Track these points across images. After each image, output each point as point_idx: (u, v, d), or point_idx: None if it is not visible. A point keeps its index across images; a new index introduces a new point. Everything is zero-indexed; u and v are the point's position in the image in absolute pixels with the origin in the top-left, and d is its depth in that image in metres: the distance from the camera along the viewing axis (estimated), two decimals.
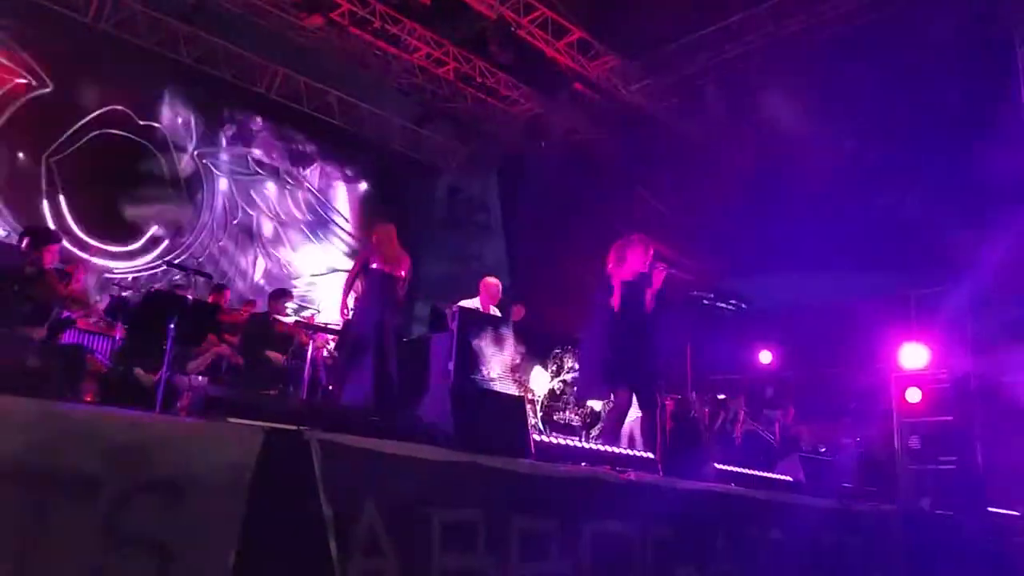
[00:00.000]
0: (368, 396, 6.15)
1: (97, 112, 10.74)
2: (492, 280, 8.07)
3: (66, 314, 6.38)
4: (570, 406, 8.28)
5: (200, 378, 7.23)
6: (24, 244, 6.05)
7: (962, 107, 9.09)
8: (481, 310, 7.80)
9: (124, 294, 8.41)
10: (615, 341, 5.54)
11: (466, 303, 7.85)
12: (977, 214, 8.94)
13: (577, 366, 8.19)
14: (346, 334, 6.84)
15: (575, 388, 8.04)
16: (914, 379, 9.27)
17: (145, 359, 6.47)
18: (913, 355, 9.21)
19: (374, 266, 6.62)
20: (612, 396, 6.06)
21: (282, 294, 8.90)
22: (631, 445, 6.99)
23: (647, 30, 10.94)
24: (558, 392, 8.38)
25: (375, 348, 6.35)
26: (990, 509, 7.04)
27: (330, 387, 8.04)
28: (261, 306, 9.39)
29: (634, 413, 6.66)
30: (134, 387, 6.39)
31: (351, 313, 6.75)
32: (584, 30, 10.73)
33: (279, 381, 8.10)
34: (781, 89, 10.67)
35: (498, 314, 8.06)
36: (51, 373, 5.42)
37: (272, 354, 8.13)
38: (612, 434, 5.72)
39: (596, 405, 8.14)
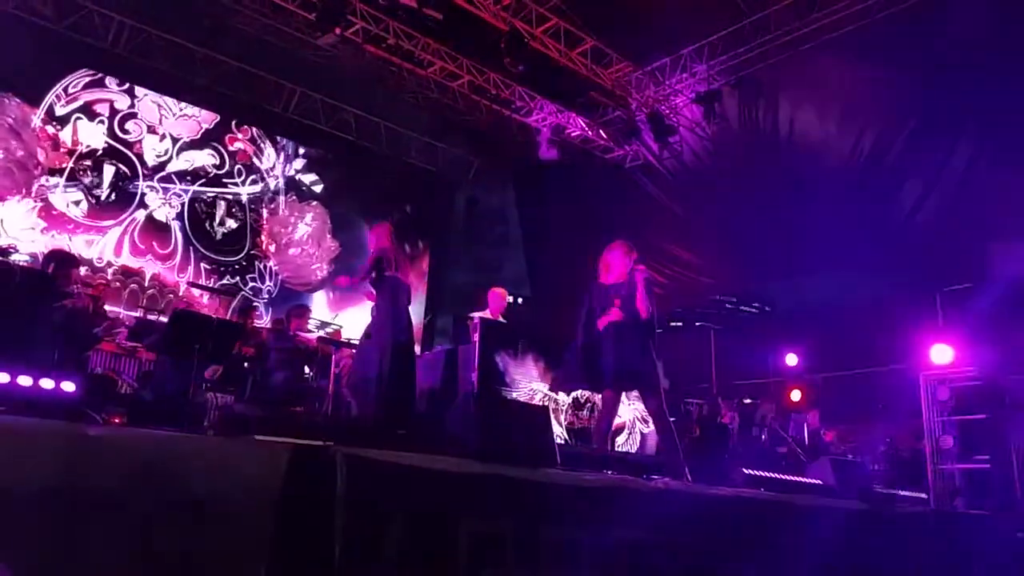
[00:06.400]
0: (390, 408, 6.13)
1: None
2: (498, 290, 8.20)
3: (96, 331, 6.47)
4: (594, 414, 8.26)
5: (227, 396, 7.27)
6: (51, 269, 6.15)
7: (986, 103, 8.98)
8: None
9: (148, 316, 8.49)
10: (594, 350, 5.52)
11: (475, 315, 7.89)
12: (1006, 211, 8.82)
13: None
14: (367, 345, 6.75)
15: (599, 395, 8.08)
16: (944, 378, 9.15)
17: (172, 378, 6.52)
18: (942, 354, 9.09)
19: (386, 274, 6.47)
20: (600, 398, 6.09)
21: (303, 310, 8.95)
22: (657, 451, 6.96)
23: (660, 36, 10.94)
24: (582, 401, 8.36)
25: (397, 358, 6.32)
26: None
27: (350, 401, 8.05)
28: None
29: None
30: (161, 408, 6.44)
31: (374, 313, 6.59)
32: (597, 38, 10.74)
33: (305, 397, 8.13)
34: (800, 90, 10.63)
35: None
36: (80, 397, 5.49)
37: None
38: (601, 436, 5.69)
39: (621, 412, 8.12)
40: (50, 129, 10.49)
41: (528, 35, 10.07)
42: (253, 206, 12.65)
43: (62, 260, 6.31)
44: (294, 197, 13.18)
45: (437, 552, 2.83)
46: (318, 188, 13.41)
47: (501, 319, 8.06)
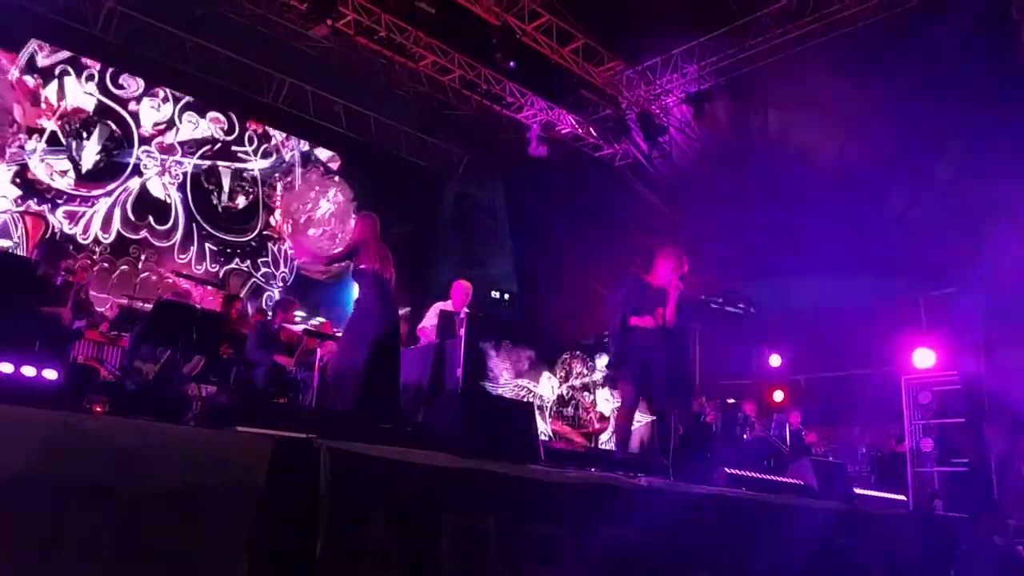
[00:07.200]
0: (376, 402, 6.11)
1: None
2: (464, 283, 8.04)
3: (77, 324, 6.42)
4: (579, 411, 8.28)
5: (210, 387, 7.24)
6: (36, 256, 6.11)
7: (970, 109, 9.04)
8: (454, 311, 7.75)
9: (132, 305, 8.43)
10: (625, 343, 5.66)
11: (440, 305, 7.84)
12: (987, 217, 8.89)
13: (585, 371, 8.28)
14: (349, 340, 6.70)
15: (584, 392, 8.11)
16: (925, 381, 9.24)
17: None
18: (923, 358, 9.18)
19: (363, 266, 6.39)
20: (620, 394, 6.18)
21: (289, 302, 8.91)
22: (641, 449, 6.99)
23: (652, 35, 10.95)
24: (567, 398, 8.37)
25: (381, 352, 6.28)
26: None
27: (334, 393, 7.99)
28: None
29: (641, 418, 6.69)
30: (144, 397, 6.41)
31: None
32: (589, 36, 10.74)
33: (288, 389, 8.10)
34: (790, 93, 10.68)
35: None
36: (63, 385, 5.46)
37: (281, 359, 8.12)
38: (622, 432, 5.76)
39: (605, 409, 8.14)
40: (30, 81, 9.36)
41: (520, 31, 10.07)
42: (266, 180, 11.62)
43: (50, 251, 6.27)
44: (314, 171, 12.39)
45: (419, 546, 2.83)
46: (335, 165, 12.90)
47: (465, 311, 7.99)
